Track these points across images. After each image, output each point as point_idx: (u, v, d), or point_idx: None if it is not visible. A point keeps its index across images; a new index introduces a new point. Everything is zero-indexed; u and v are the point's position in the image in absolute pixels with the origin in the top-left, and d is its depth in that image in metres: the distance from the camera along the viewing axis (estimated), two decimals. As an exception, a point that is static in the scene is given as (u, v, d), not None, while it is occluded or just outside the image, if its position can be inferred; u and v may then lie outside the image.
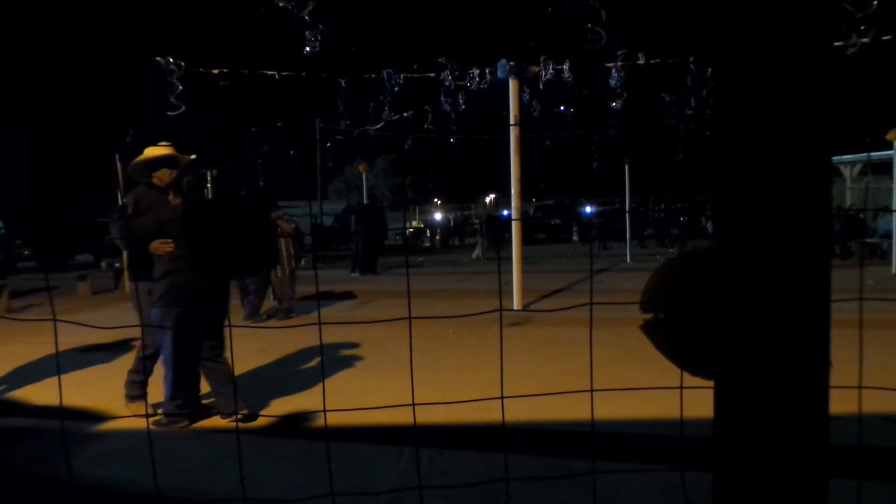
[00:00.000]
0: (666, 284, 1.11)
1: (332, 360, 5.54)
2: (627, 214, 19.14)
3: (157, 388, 4.05)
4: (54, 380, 4.80)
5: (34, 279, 14.26)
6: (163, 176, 4.07)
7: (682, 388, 1.07)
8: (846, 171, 18.05)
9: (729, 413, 0.81)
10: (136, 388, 4.16)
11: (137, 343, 4.60)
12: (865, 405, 1.65)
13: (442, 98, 9.68)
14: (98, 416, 4.18)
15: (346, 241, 24.97)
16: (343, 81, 9.97)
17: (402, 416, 3.54)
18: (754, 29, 0.76)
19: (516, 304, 8.24)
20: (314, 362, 5.47)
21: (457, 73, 9.15)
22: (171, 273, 3.75)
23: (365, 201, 17.15)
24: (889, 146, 11.08)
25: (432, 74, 9.29)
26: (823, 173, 0.76)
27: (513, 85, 8.10)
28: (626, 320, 5.91)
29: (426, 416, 3.66)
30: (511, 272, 8.38)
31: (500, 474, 2.69)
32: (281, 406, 4.37)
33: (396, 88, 9.59)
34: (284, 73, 9.33)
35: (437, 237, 27.98)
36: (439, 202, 43.76)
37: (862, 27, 6.97)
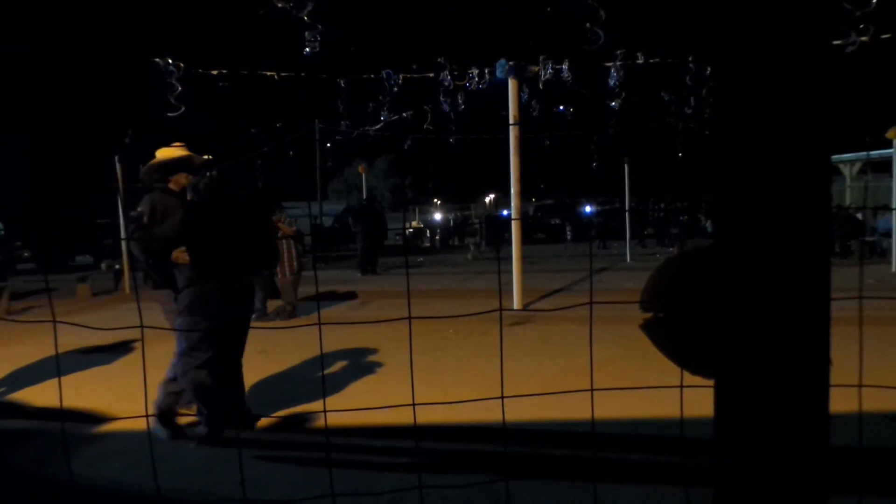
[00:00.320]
0: (666, 283, 1.11)
1: (332, 360, 5.54)
2: (627, 214, 19.13)
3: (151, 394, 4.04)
4: (54, 381, 4.80)
5: (34, 281, 14.26)
6: (180, 180, 3.85)
7: (682, 387, 1.07)
8: (846, 170, 18.07)
9: (729, 412, 0.81)
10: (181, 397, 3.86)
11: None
12: (865, 404, 1.65)
13: (441, 98, 9.70)
14: (98, 418, 4.18)
15: (346, 242, 24.99)
16: (342, 82, 9.99)
17: (403, 416, 3.54)
18: (754, 28, 0.76)
19: (516, 303, 8.24)
20: (314, 363, 5.47)
21: (456, 73, 9.16)
22: (196, 282, 3.51)
23: (363, 201, 17.15)
24: (888, 144, 11.08)
25: (431, 74, 9.30)
26: (823, 172, 0.76)
27: (512, 85, 8.10)
28: (626, 319, 5.91)
29: (426, 416, 3.66)
30: (511, 272, 8.38)
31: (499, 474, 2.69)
32: (281, 406, 4.37)
33: (396, 89, 9.59)
34: (284, 74, 9.34)
35: (437, 237, 27.97)
36: (439, 202, 43.76)
37: (861, 26, 6.97)
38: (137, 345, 6.32)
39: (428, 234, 28.92)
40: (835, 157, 16.03)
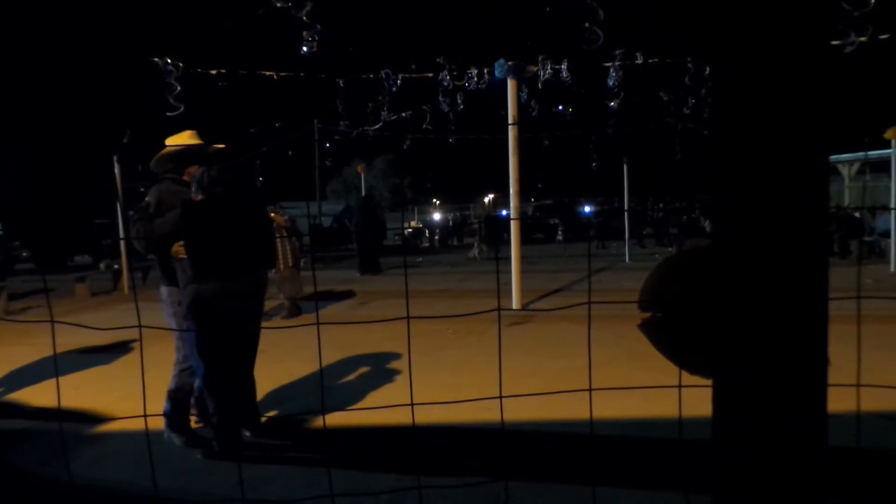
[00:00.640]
0: (665, 283, 1.11)
1: (331, 360, 5.54)
2: (626, 214, 19.14)
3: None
4: (53, 381, 4.79)
5: (32, 281, 14.25)
6: (192, 171, 3.62)
7: (680, 386, 1.07)
8: (844, 170, 18.08)
9: (727, 412, 0.81)
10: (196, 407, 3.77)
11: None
12: (864, 403, 1.65)
13: (440, 98, 9.69)
14: (97, 418, 4.18)
15: (345, 242, 25.00)
16: (341, 82, 9.98)
17: (402, 416, 3.54)
18: (752, 28, 0.76)
19: (515, 303, 8.24)
20: (312, 362, 5.47)
21: (455, 73, 9.16)
22: (195, 280, 3.32)
23: (361, 201, 17.14)
24: (887, 145, 11.10)
25: (430, 74, 9.30)
26: (821, 172, 0.76)
27: (511, 85, 8.10)
28: (625, 319, 5.92)
29: (425, 416, 3.66)
30: (510, 272, 8.38)
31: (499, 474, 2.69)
32: (280, 406, 4.36)
33: (395, 89, 9.59)
34: (283, 74, 9.33)
35: (436, 237, 27.98)
36: (438, 202, 43.79)
37: (860, 26, 6.98)
38: (136, 345, 6.31)
39: (427, 234, 28.94)
40: (833, 157, 16.05)
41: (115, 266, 12.99)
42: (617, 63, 8.96)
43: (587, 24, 7.22)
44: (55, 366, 1.75)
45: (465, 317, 6.36)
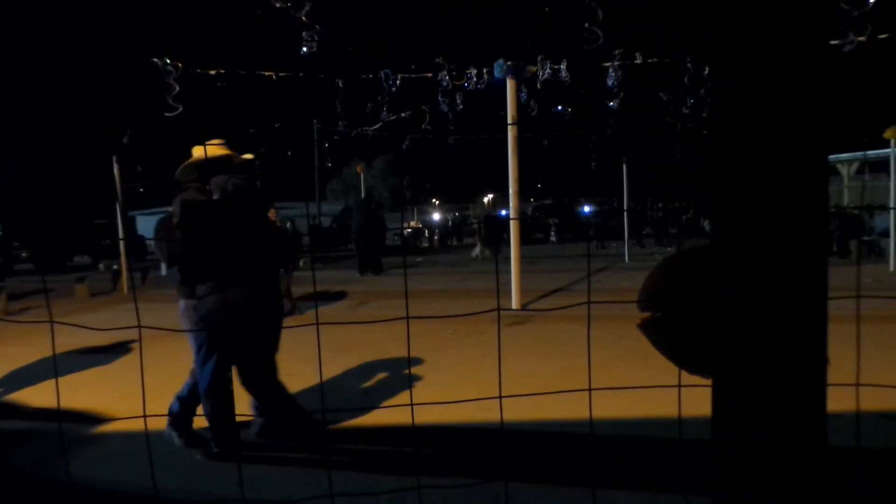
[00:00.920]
0: (664, 283, 1.11)
1: (331, 360, 5.53)
2: (626, 214, 19.14)
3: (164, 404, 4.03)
4: (52, 382, 4.79)
5: (32, 281, 14.24)
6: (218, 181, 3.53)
7: (679, 386, 1.07)
8: (843, 170, 18.10)
9: (727, 411, 0.81)
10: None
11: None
12: (863, 403, 1.65)
13: (439, 98, 9.69)
14: (96, 419, 4.18)
15: (345, 242, 25.00)
16: (340, 82, 9.98)
17: (401, 416, 3.54)
18: (751, 28, 0.76)
19: (515, 303, 8.24)
20: (313, 362, 5.46)
21: (454, 73, 9.16)
22: (216, 290, 3.32)
23: (360, 201, 17.14)
24: (886, 144, 11.10)
25: (430, 74, 9.30)
26: (821, 172, 0.76)
27: (510, 85, 8.10)
28: (624, 319, 5.92)
29: (425, 416, 3.66)
30: (509, 272, 8.38)
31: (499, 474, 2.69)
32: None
33: (394, 89, 9.59)
34: (282, 74, 9.33)
35: (436, 237, 27.99)
36: (437, 202, 43.80)
37: (859, 25, 6.98)
38: (135, 345, 6.31)
39: (426, 235, 28.95)
40: (832, 156, 16.06)
41: (115, 266, 13.00)
42: (616, 63, 8.96)
43: (586, 25, 7.22)
44: (55, 366, 1.75)
45: (465, 317, 6.37)
